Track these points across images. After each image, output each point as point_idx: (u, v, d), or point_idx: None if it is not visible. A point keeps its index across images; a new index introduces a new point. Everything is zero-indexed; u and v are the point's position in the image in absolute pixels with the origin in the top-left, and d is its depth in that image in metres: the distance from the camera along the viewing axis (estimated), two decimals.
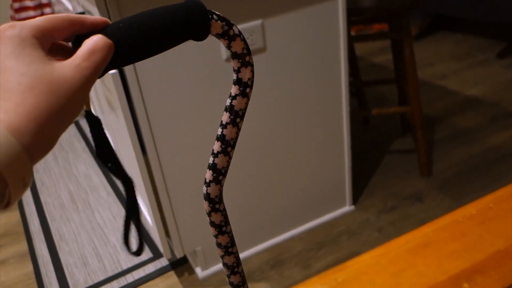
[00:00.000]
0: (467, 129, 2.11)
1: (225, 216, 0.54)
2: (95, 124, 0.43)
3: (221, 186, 0.52)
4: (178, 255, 1.41)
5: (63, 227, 1.79)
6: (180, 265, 1.53)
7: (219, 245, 0.55)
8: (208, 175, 0.52)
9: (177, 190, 1.31)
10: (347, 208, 1.67)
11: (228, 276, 0.58)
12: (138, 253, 0.50)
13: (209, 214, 0.54)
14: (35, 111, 0.29)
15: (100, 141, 0.43)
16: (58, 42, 0.34)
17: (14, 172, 0.28)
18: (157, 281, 1.49)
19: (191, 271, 1.50)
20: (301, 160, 1.49)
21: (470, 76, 2.60)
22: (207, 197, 0.52)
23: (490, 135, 2.03)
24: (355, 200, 1.72)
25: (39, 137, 0.29)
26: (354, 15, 1.91)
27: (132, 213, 0.48)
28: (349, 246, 1.53)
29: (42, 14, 2.25)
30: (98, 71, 0.33)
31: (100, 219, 1.80)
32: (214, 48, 1.20)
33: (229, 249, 0.56)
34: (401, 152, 1.99)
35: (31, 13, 2.40)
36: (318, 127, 1.47)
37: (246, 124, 1.31)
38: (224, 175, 0.52)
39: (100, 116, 2.09)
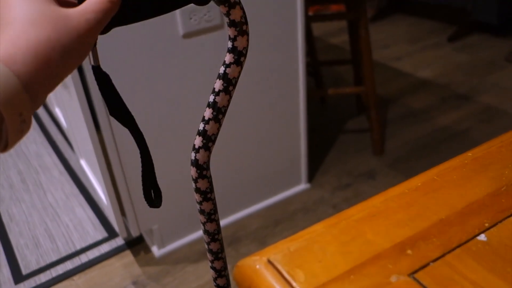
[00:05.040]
0: (419, 109, 2.18)
1: (211, 183, 0.54)
2: (104, 80, 0.41)
3: (210, 152, 0.52)
4: (134, 234, 1.40)
5: (13, 208, 1.73)
6: (136, 244, 1.52)
7: (202, 211, 0.55)
8: (198, 141, 0.52)
9: (132, 168, 1.29)
10: (303, 185, 1.70)
11: (208, 243, 0.58)
12: (157, 204, 0.50)
13: (195, 180, 0.53)
14: (35, 44, 0.29)
15: (111, 97, 0.41)
16: None
17: (9, 104, 0.27)
18: (112, 260, 1.47)
19: (148, 250, 1.49)
20: (258, 138, 1.50)
21: (423, 58, 2.69)
22: (195, 163, 0.52)
23: (440, 115, 2.12)
24: (310, 178, 1.76)
25: (37, 71, 0.29)
26: None
27: (147, 168, 0.48)
28: (304, 223, 1.56)
29: None
30: (103, 23, 0.33)
31: (52, 199, 1.75)
32: (171, 25, 1.18)
33: (211, 216, 0.56)
34: (355, 131, 2.04)
35: None
36: (275, 106, 1.48)
37: (201, 101, 1.30)
38: (214, 142, 0.52)
39: (51, 94, 2.01)
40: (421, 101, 2.24)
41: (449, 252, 0.36)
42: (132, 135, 0.45)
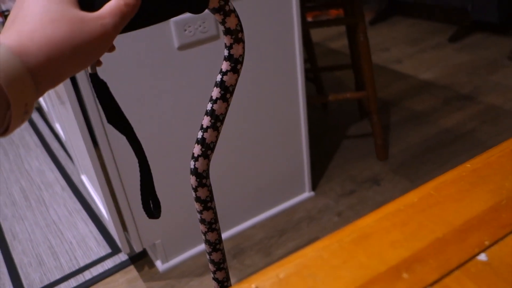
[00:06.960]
0: (421, 112, 2.16)
1: (211, 192, 0.53)
2: (102, 87, 0.41)
3: (209, 160, 0.51)
4: (137, 249, 1.39)
5: (16, 226, 1.72)
6: (140, 259, 1.50)
7: (203, 221, 0.54)
8: (197, 149, 0.51)
9: (132, 183, 1.28)
10: (307, 194, 1.68)
11: (210, 254, 0.57)
12: (157, 215, 0.49)
13: (195, 189, 0.52)
14: (49, 41, 0.30)
15: (109, 105, 0.42)
16: None
17: (17, 93, 0.28)
18: (116, 276, 1.46)
19: (151, 265, 1.48)
20: (259, 148, 1.48)
21: (424, 60, 2.66)
22: (195, 171, 0.51)
23: (443, 117, 2.09)
24: (314, 185, 1.73)
25: (48, 67, 0.30)
26: (309, 1, 1.91)
27: (146, 178, 0.47)
28: (309, 232, 1.54)
29: None
30: (119, 27, 0.34)
31: (55, 216, 1.74)
32: (167, 37, 1.17)
33: (212, 225, 0.54)
34: (358, 136, 2.02)
35: None
36: (275, 114, 1.46)
37: (199, 112, 1.29)
38: (212, 150, 0.51)
39: (51, 110, 2.01)
40: (423, 104, 2.22)
41: (447, 274, 0.34)
42: (130, 143, 0.45)
